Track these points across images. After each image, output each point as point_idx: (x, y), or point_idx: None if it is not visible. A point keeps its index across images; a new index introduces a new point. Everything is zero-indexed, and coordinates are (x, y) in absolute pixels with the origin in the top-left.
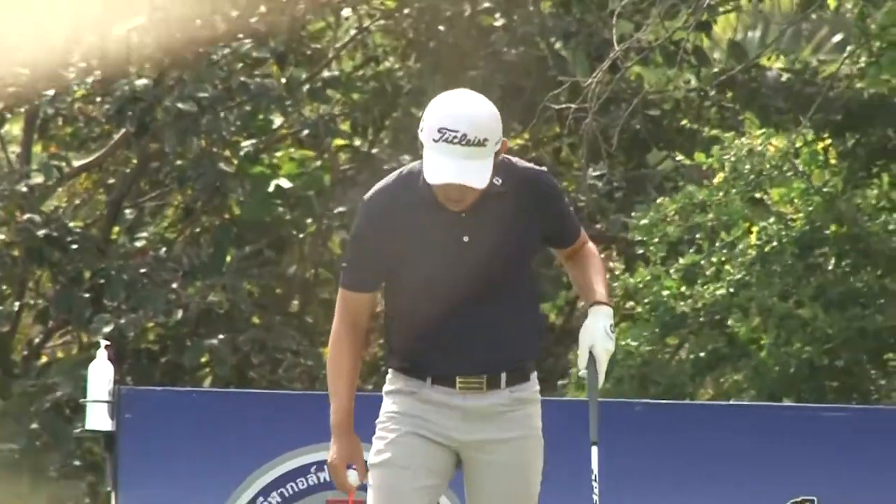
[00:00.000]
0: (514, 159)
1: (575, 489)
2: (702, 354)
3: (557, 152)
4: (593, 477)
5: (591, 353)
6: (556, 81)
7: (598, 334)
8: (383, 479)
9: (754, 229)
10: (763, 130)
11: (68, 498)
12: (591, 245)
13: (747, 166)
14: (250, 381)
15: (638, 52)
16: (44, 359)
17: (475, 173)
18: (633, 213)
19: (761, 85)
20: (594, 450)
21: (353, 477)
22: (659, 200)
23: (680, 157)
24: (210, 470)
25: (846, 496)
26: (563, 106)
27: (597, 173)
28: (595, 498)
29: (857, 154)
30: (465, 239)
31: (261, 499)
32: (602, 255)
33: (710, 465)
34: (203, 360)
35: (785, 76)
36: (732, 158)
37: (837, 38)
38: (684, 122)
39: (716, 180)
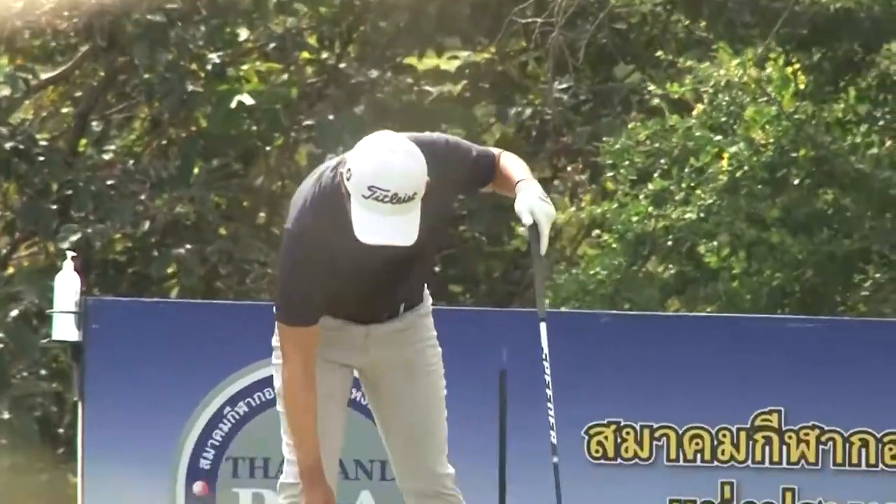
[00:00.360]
0: (415, 139)
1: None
2: (671, 274)
3: (524, 66)
4: (544, 356)
5: (533, 223)
6: None
7: (532, 201)
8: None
9: (725, 155)
10: (738, 60)
11: (33, 406)
12: (505, 154)
13: (726, 98)
14: (217, 292)
15: None
16: (10, 270)
17: (404, 229)
18: (603, 139)
19: None
20: (542, 326)
21: None
22: (631, 125)
23: (652, 86)
24: (177, 380)
25: (812, 407)
26: (530, 20)
27: (563, 86)
28: (546, 378)
29: (824, 68)
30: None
31: (228, 408)
32: (569, 168)
33: (677, 377)
34: (170, 270)
35: None
36: (710, 90)
37: None
38: (651, 32)
39: (695, 112)
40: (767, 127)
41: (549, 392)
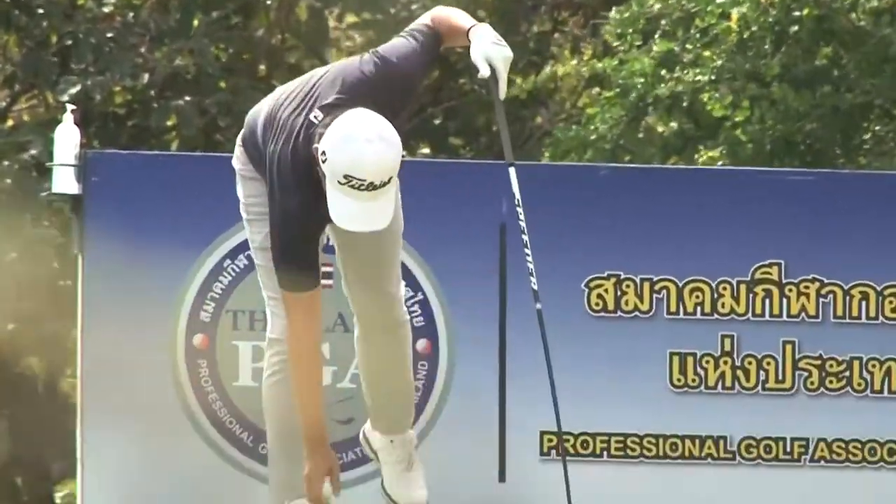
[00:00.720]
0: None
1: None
2: (672, 132)
3: None
4: (517, 201)
5: (491, 69)
6: None
7: (487, 47)
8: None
9: (734, 15)
10: None
11: (39, 257)
12: (437, 11)
13: None
14: (217, 145)
15: None
16: (10, 122)
17: (380, 214)
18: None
19: None
20: (511, 171)
21: (327, 490)
22: None
23: None
24: (177, 233)
25: (813, 260)
26: None
27: None
28: (521, 224)
29: None
30: None
31: (228, 261)
32: (570, 22)
33: (677, 230)
34: (170, 123)
35: None
36: None
37: None
38: None
39: None
40: None
41: (524, 238)
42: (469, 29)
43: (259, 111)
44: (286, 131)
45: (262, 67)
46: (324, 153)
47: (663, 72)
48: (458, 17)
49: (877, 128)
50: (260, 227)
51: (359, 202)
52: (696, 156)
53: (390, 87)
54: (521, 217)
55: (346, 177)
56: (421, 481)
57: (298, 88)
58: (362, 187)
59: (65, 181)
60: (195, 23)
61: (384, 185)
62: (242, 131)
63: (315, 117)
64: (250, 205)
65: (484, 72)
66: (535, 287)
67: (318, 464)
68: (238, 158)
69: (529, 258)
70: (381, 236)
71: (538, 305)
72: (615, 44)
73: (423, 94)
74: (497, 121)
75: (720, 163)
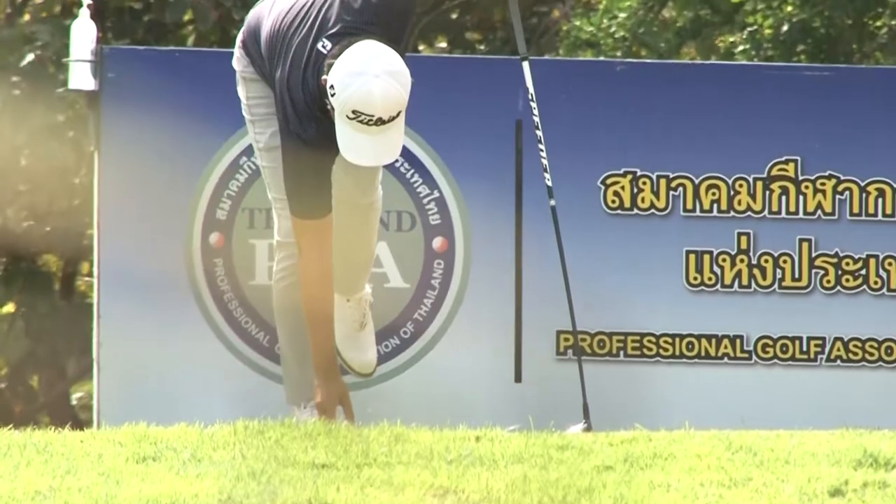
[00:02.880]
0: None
1: (559, 144)
2: (687, 18)
3: None
4: (530, 96)
5: None
6: None
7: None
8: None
9: None
10: None
11: (53, 155)
12: None
13: None
14: (232, 40)
15: None
16: (27, 17)
17: (389, 148)
18: None
19: None
20: (525, 65)
21: (340, 416)
22: None
23: None
24: (193, 129)
25: (829, 157)
26: None
27: None
28: (535, 119)
29: None
30: None
31: (244, 158)
32: None
33: (693, 127)
34: (186, 18)
35: None
36: None
37: None
38: None
39: None
40: None
41: (538, 133)
42: None
43: (260, 17)
44: (294, 57)
45: None
46: (332, 87)
47: None
48: None
49: (893, 22)
50: (263, 128)
51: (367, 136)
52: (718, 41)
53: (392, 8)
54: (535, 112)
55: (354, 112)
56: (371, 340)
57: (304, 9)
58: (370, 122)
59: (81, 77)
60: None
61: (392, 119)
62: (242, 33)
63: (323, 46)
64: (253, 105)
65: None
66: (550, 184)
67: (331, 391)
68: (239, 60)
69: (543, 154)
70: None
71: (552, 202)
72: None
73: None
74: (510, 13)
75: (739, 48)
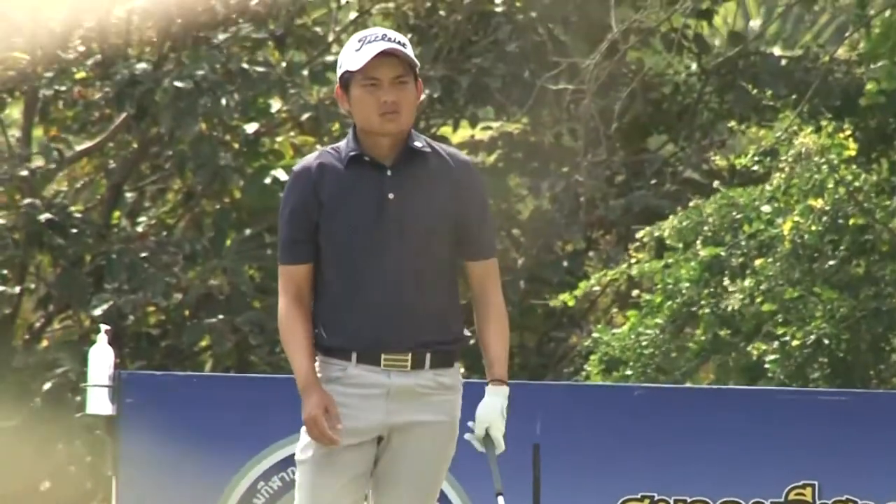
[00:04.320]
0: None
1: (576, 468)
2: (705, 338)
3: (558, 137)
4: None
5: (486, 431)
6: (555, 64)
7: (494, 416)
8: (306, 476)
9: (788, 222)
10: (810, 129)
11: (73, 478)
12: (501, 301)
13: (806, 174)
14: (250, 366)
15: (637, 34)
16: (45, 343)
17: (401, 47)
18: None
19: (761, 70)
20: (500, 500)
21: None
22: (693, 203)
23: (715, 158)
24: (211, 454)
25: (846, 481)
26: (561, 87)
27: (596, 160)
28: None
29: (857, 139)
30: (391, 196)
31: (262, 483)
32: (603, 240)
33: (711, 450)
34: (203, 343)
35: (784, 61)
36: (790, 160)
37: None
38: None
39: (775, 182)
40: (826, 195)
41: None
42: (493, 380)
43: None
44: None
45: None
46: (340, 64)
47: (707, 275)
48: (501, 352)
49: None
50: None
51: (378, 45)
52: (749, 350)
53: (469, 183)
54: None
55: (359, 41)
56: None
57: None
58: (376, 39)
59: (99, 402)
60: (228, 242)
61: (400, 43)
62: None
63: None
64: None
65: (478, 433)
66: None
67: (317, 400)
68: None
69: None
70: (426, 462)
71: None
72: (666, 252)
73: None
74: (489, 459)
75: (769, 357)
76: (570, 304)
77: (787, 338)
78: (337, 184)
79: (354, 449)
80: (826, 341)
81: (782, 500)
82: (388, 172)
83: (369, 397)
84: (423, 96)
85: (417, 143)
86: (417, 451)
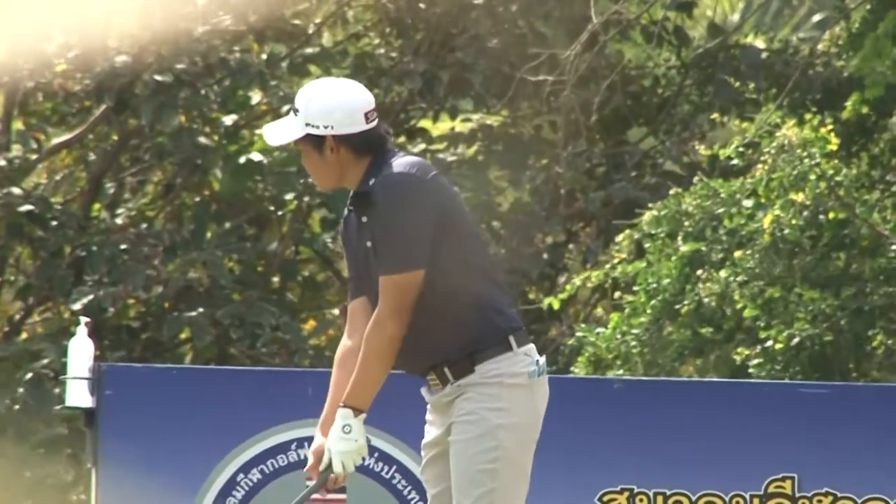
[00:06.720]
0: (402, 159)
1: (555, 461)
2: (687, 336)
3: (538, 129)
4: None
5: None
6: (535, 56)
7: (331, 439)
8: None
9: (768, 216)
10: (793, 122)
11: (51, 472)
12: (379, 321)
13: (788, 167)
14: (231, 359)
15: (616, 26)
16: (24, 335)
17: (277, 130)
18: (649, 205)
19: (741, 63)
20: None
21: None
22: (673, 191)
23: (700, 147)
24: (190, 447)
25: (826, 474)
26: (541, 78)
27: (576, 151)
28: None
29: (837, 132)
30: (368, 244)
31: (241, 475)
32: (583, 233)
33: (690, 443)
34: (183, 336)
35: (765, 54)
36: (772, 152)
37: (817, 17)
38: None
39: (757, 174)
40: (807, 189)
41: None
42: (341, 405)
43: None
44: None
45: (276, 280)
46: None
47: (688, 270)
48: (356, 375)
49: (889, 341)
50: None
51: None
52: (734, 355)
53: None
54: None
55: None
56: None
57: None
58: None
59: (79, 394)
60: (208, 234)
61: (295, 110)
62: None
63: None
64: None
65: (325, 459)
66: None
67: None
68: None
69: None
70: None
71: None
72: (647, 245)
73: None
74: (305, 491)
75: (754, 360)
76: (556, 307)
77: (770, 342)
78: (344, 238)
79: (429, 462)
80: (808, 343)
81: (762, 492)
82: (363, 219)
83: (432, 415)
84: (353, 130)
85: (367, 185)
86: (454, 445)
